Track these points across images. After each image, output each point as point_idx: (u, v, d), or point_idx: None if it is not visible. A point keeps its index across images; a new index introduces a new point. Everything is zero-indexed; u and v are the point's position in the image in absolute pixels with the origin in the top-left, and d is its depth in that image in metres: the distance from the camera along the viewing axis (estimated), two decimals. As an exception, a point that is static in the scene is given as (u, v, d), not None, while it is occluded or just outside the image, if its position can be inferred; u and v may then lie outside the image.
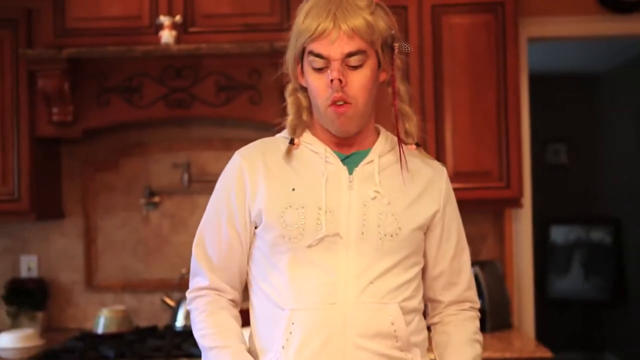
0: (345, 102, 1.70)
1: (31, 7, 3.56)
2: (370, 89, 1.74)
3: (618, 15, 3.90)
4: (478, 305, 1.96)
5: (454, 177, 3.58)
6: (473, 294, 1.95)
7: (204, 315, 1.82)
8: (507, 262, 3.83)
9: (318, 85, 1.72)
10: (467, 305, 1.93)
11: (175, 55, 3.43)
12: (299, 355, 1.71)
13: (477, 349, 1.88)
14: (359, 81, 1.71)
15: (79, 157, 3.93)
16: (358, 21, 1.68)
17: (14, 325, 3.70)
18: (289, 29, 1.80)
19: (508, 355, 3.11)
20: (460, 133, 3.47)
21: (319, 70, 1.71)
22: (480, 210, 3.75)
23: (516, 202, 3.57)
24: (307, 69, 1.74)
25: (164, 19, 3.38)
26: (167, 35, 3.37)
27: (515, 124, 3.48)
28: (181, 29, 3.43)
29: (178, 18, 3.42)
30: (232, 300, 1.87)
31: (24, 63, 3.50)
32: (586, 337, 7.46)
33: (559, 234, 7.59)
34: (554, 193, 7.20)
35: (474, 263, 3.64)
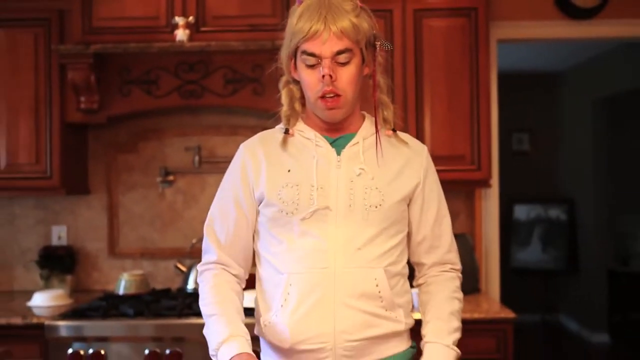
0: (336, 95, 1.71)
1: (62, 8, 3.53)
2: (356, 82, 1.76)
3: (576, 21, 3.88)
4: (459, 267, 1.96)
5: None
6: (454, 256, 1.95)
7: (208, 287, 1.83)
8: (477, 235, 3.84)
9: (310, 80, 1.73)
10: (448, 267, 1.93)
11: (188, 52, 3.41)
12: (295, 313, 1.73)
13: (456, 305, 1.89)
14: (346, 76, 1.72)
15: (104, 140, 3.92)
16: (345, 23, 1.69)
17: (46, 286, 3.71)
18: (283, 28, 1.80)
19: (476, 315, 3.12)
20: (438, 122, 3.46)
21: (312, 66, 1.71)
22: (454, 189, 3.70)
23: (485, 183, 3.55)
24: (300, 65, 1.75)
25: (179, 19, 3.36)
26: (181, 34, 3.35)
27: (486, 115, 3.47)
28: (194, 28, 3.40)
29: (191, 19, 3.39)
30: (236, 276, 1.87)
31: (55, 57, 3.48)
32: (544, 301, 7.49)
33: (521, 211, 7.60)
34: (517, 176, 7.20)
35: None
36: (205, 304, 1.81)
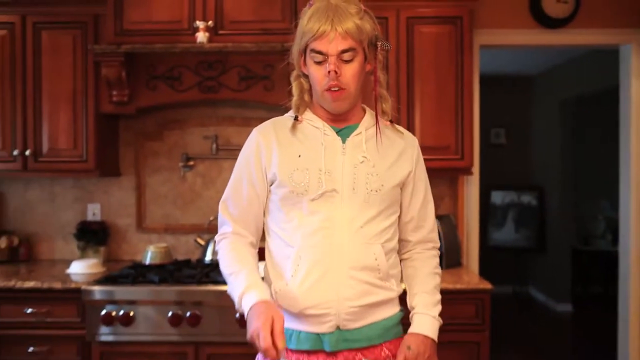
0: (340, 88, 1.71)
1: (97, 13, 3.49)
2: (359, 78, 1.74)
3: (549, 30, 3.86)
4: (438, 245, 1.98)
5: (420, 150, 3.57)
6: (435, 235, 1.96)
7: (227, 250, 1.81)
8: (459, 216, 3.82)
9: (318, 74, 1.72)
10: (430, 245, 1.94)
11: (207, 52, 3.37)
12: (304, 282, 1.73)
13: (437, 280, 1.92)
14: (350, 72, 1.71)
15: (133, 129, 3.90)
16: (350, 25, 1.68)
17: (82, 256, 3.72)
18: (291, 32, 1.81)
19: (459, 286, 3.11)
20: (427, 116, 3.42)
21: (319, 63, 1.71)
22: (440, 176, 3.72)
23: (467, 171, 3.53)
24: (309, 61, 1.74)
25: (199, 23, 3.32)
26: (201, 36, 3.31)
27: (469, 111, 3.44)
28: (212, 32, 3.36)
29: (210, 23, 3.35)
30: (251, 243, 1.85)
31: (91, 56, 3.45)
32: (515, 275, 7.52)
33: (497, 197, 7.61)
34: (494, 166, 7.16)
35: (434, 216, 3.62)
36: (225, 265, 1.80)
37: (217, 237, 1.88)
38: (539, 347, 5.72)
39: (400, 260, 1.93)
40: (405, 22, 3.42)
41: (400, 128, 1.91)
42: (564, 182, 7.06)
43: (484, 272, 3.76)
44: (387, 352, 1.80)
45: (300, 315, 1.76)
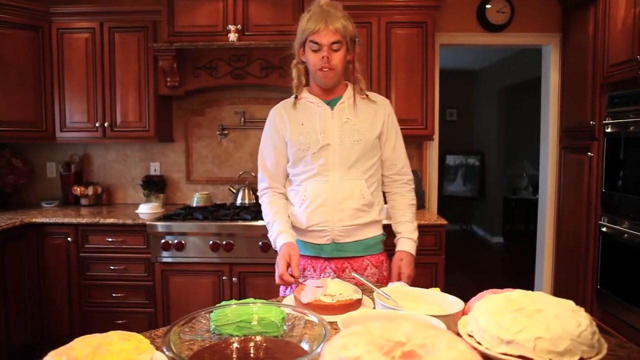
0: (329, 69, 1.71)
1: (155, 19, 3.40)
2: (342, 62, 1.74)
3: (490, 33, 3.73)
4: (411, 177, 1.94)
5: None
6: (407, 170, 1.92)
7: (266, 203, 1.85)
8: (424, 172, 3.76)
9: (314, 59, 1.72)
10: (405, 179, 1.91)
11: (237, 48, 3.28)
12: (309, 208, 1.77)
13: (413, 209, 1.91)
14: (337, 57, 1.71)
15: (182, 107, 3.82)
16: (338, 24, 1.68)
17: (147, 201, 3.70)
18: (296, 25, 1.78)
19: (423, 222, 3.07)
20: (400, 97, 3.33)
21: (315, 51, 1.71)
22: (410, 141, 3.55)
23: (430, 138, 3.44)
24: (308, 50, 1.73)
25: (231, 27, 3.23)
26: (232, 36, 3.22)
27: (431, 94, 3.34)
28: (241, 33, 3.27)
29: (239, 26, 3.25)
30: (282, 193, 1.87)
31: (151, 51, 3.37)
32: (462, 216, 7.52)
33: (450, 159, 7.56)
34: (449, 136, 7.08)
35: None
36: (265, 214, 1.81)
37: (259, 192, 1.88)
38: (479, 268, 5.73)
39: (385, 193, 1.92)
40: (385, 26, 3.31)
41: (375, 97, 1.86)
42: (499, 149, 6.98)
43: (440, 213, 3.72)
44: (367, 262, 1.82)
45: (306, 231, 1.80)
